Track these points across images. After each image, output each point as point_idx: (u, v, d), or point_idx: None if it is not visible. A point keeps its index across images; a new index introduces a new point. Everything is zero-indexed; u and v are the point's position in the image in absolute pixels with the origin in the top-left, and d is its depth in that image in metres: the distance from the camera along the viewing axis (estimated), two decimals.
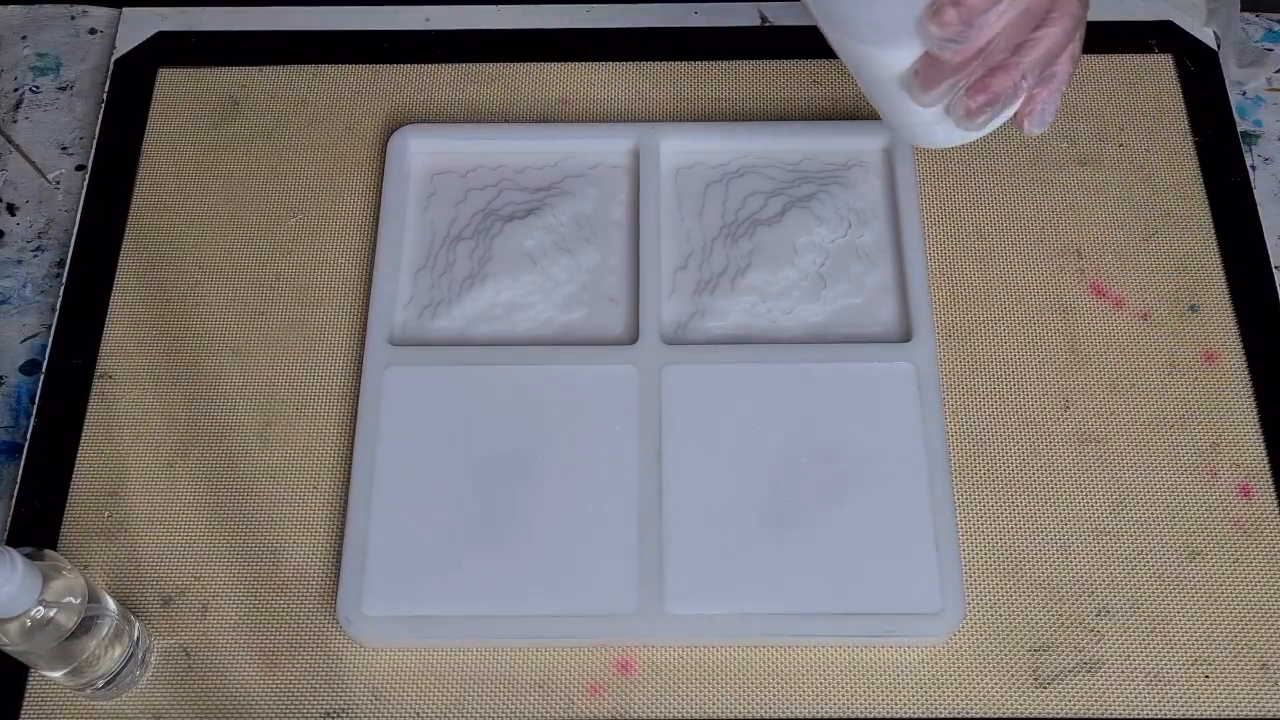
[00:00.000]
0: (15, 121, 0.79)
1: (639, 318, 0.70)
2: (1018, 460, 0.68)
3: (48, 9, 0.83)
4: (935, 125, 0.61)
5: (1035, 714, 0.63)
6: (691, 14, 0.81)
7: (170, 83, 0.79)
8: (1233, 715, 0.63)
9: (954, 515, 0.65)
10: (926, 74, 0.59)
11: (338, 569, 0.65)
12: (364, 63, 0.79)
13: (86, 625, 0.58)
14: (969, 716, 0.63)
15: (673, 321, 0.71)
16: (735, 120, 0.76)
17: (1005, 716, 0.63)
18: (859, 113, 0.77)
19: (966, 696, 0.63)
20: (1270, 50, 0.81)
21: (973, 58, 0.58)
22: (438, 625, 0.63)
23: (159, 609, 0.65)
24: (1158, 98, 0.78)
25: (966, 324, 0.71)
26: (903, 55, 0.59)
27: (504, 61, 0.79)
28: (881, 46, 0.59)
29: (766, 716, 0.63)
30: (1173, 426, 0.69)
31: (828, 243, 0.72)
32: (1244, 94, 0.80)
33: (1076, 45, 0.61)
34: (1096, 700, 0.63)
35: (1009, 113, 0.61)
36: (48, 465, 0.68)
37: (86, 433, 0.69)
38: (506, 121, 0.77)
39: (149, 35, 0.80)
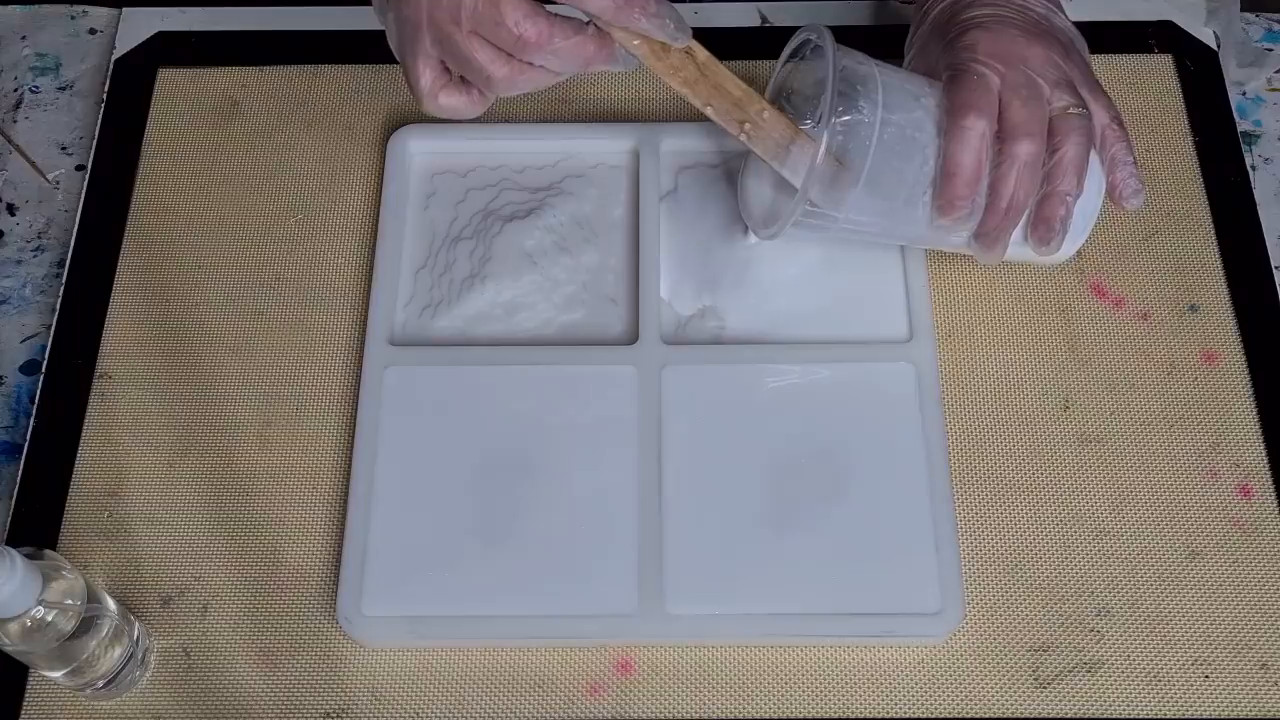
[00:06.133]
0: (15, 121, 0.79)
1: (639, 318, 0.70)
2: (1018, 460, 0.68)
3: (48, 9, 0.83)
4: (1014, 248, 0.66)
5: (1035, 714, 0.63)
6: (691, 14, 0.81)
7: (170, 83, 0.79)
8: (1233, 715, 0.63)
9: (954, 515, 0.65)
10: (983, 240, 0.64)
11: (338, 569, 0.65)
12: (364, 63, 0.79)
13: (86, 625, 0.58)
14: (969, 716, 0.63)
15: (673, 321, 0.71)
16: None
17: (1005, 716, 0.63)
18: None
19: (966, 696, 0.63)
20: (1270, 50, 0.81)
21: (1006, 210, 0.63)
22: (438, 625, 0.63)
23: (159, 609, 0.65)
24: (1158, 98, 0.78)
25: (966, 324, 0.71)
26: (954, 240, 0.66)
27: None
28: (941, 246, 0.67)
29: (766, 716, 0.63)
30: (1172, 426, 0.69)
31: (828, 242, 0.72)
32: (1244, 94, 0.80)
33: (1110, 129, 0.65)
34: (1096, 700, 0.63)
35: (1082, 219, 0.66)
36: (48, 465, 0.68)
37: (86, 433, 0.69)
38: (506, 121, 0.77)
39: (149, 35, 0.80)
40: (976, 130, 0.61)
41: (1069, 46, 0.66)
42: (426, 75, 0.60)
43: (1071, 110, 0.63)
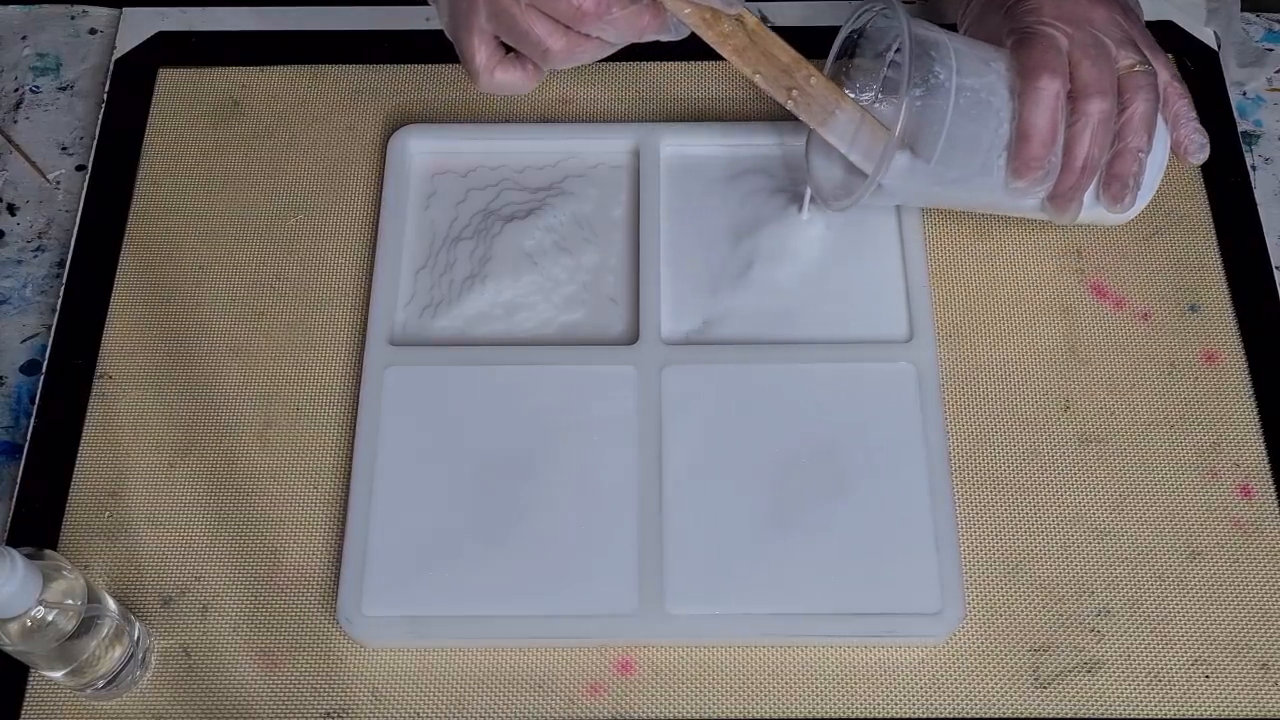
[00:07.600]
0: (15, 121, 0.79)
1: (639, 318, 0.70)
2: (1018, 460, 0.68)
3: (48, 9, 0.83)
4: (1088, 209, 0.67)
5: (1035, 714, 0.63)
6: None
7: (170, 83, 0.79)
8: (1233, 715, 0.63)
9: (954, 515, 0.65)
10: (1057, 202, 0.65)
11: (338, 569, 0.65)
12: (364, 63, 0.79)
13: (86, 625, 0.58)
14: (969, 716, 0.63)
15: (673, 321, 0.71)
16: (735, 120, 0.76)
17: (1005, 716, 0.63)
18: None
19: (966, 696, 0.63)
20: (1270, 50, 0.81)
21: (1082, 169, 0.63)
22: (438, 625, 0.63)
23: (159, 609, 0.65)
24: None
25: (966, 324, 0.71)
26: (1028, 203, 0.66)
27: None
28: (1013, 211, 0.68)
29: (766, 716, 0.63)
30: (1173, 426, 0.69)
31: (828, 241, 0.72)
32: (1244, 94, 0.80)
33: (1171, 86, 0.66)
34: (1096, 700, 0.63)
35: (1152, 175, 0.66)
36: (48, 465, 0.68)
37: (86, 433, 0.69)
38: (506, 121, 0.77)
39: (149, 35, 0.80)
40: (1051, 91, 0.61)
41: (1127, 7, 0.67)
42: (482, 51, 0.60)
43: (1138, 68, 0.63)
